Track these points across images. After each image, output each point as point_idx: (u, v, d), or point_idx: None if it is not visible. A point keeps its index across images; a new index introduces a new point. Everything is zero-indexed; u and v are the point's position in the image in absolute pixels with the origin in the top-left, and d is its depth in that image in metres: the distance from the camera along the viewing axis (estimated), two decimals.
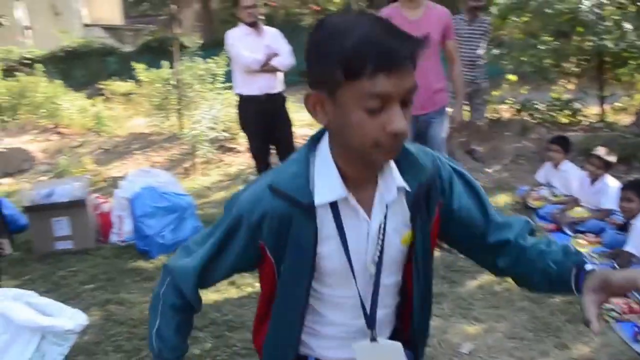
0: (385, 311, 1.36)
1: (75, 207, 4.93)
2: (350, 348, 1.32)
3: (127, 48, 17.28)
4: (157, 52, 11.33)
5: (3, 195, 5.96)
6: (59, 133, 8.69)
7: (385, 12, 4.10)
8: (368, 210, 1.26)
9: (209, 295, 3.67)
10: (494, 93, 7.87)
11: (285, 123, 5.38)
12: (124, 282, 4.21)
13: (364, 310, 1.31)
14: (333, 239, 1.25)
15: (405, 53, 1.08)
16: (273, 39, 5.20)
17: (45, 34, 17.49)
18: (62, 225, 4.94)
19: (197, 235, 1.42)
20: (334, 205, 1.23)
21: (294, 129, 5.42)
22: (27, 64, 13.63)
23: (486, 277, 3.92)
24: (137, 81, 8.95)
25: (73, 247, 4.92)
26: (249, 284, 3.91)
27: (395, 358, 1.31)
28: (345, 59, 1.08)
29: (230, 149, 7.94)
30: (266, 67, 5.03)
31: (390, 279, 1.33)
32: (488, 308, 3.54)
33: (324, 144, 1.25)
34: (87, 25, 23.32)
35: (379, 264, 1.28)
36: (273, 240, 1.25)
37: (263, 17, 5.13)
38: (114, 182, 6.45)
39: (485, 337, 3.23)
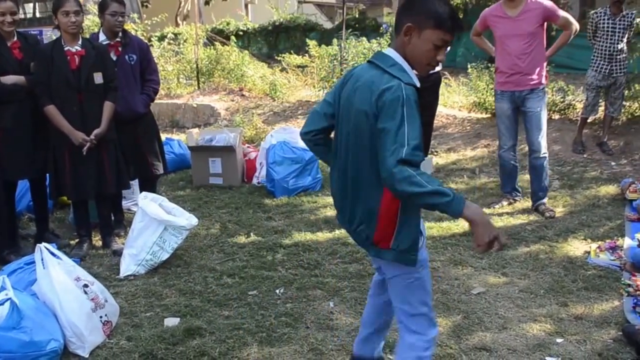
0: None
1: (227, 151, 6.20)
2: None
3: (329, 25, 18.67)
4: (356, 30, 12.40)
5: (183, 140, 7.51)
6: (242, 95, 10.21)
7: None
8: None
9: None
10: None
11: (432, 103, 6.10)
12: (247, 211, 5.38)
13: None
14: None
15: (460, 26, 2.15)
16: None
17: (262, 9, 19.40)
18: (216, 165, 6.25)
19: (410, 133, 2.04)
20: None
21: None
22: (240, 36, 15.65)
23: (537, 247, 4.41)
24: (310, 55, 10.26)
25: (222, 183, 6.21)
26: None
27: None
28: (439, 17, 2.09)
29: None
30: None
31: None
32: (520, 268, 4.07)
33: (395, 57, 2.15)
34: (300, 2, 25.36)
35: None
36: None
37: None
38: None
39: (501, 287, 3.80)
